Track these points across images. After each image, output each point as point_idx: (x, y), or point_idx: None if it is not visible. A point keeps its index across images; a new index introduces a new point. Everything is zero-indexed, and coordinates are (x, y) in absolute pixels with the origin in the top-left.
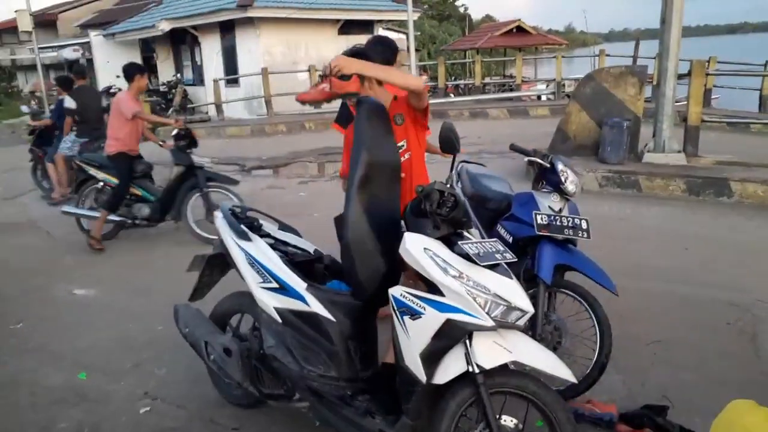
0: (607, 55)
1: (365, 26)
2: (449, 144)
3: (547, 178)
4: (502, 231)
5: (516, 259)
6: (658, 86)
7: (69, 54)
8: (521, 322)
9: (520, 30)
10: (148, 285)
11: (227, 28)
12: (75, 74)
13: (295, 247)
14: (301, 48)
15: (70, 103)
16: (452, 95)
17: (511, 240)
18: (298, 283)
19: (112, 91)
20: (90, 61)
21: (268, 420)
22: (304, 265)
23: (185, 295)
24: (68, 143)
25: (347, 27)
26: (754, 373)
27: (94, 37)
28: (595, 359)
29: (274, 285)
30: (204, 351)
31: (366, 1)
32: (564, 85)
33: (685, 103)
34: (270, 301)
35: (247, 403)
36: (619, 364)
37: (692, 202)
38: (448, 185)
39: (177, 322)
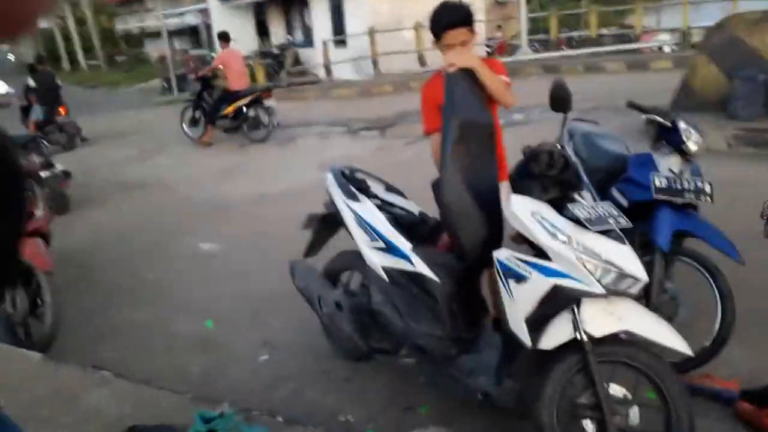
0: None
1: None
2: (560, 102)
3: (667, 137)
4: (616, 194)
5: (631, 225)
6: None
7: (191, 20)
8: (634, 290)
9: None
10: (266, 240)
11: None
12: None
13: (401, 208)
14: (405, 6)
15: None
16: (565, 48)
17: (626, 204)
18: (404, 244)
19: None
20: (209, 26)
21: (376, 373)
22: (410, 226)
23: (300, 251)
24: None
25: None
26: None
27: (213, 2)
28: (715, 333)
29: (382, 245)
30: (317, 304)
31: None
32: (691, 34)
33: None
34: (378, 260)
35: (357, 356)
36: (743, 339)
37: None
38: (558, 145)
39: (293, 277)
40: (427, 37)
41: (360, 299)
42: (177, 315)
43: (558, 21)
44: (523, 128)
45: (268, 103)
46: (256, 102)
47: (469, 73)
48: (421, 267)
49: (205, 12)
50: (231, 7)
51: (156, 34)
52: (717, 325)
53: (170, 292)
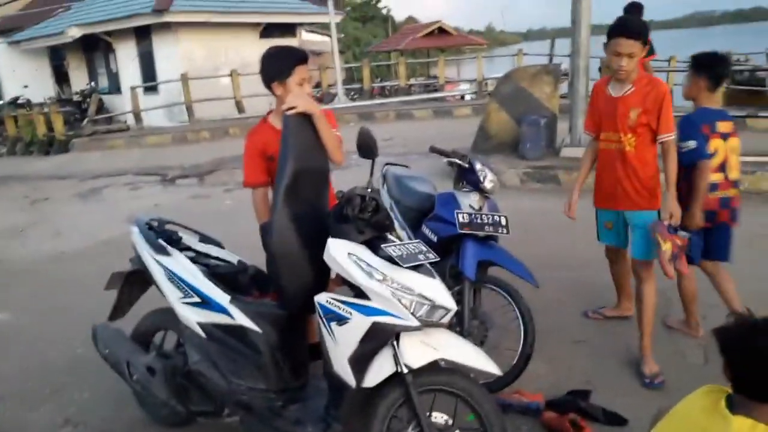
0: (525, 54)
1: (288, 29)
2: (367, 149)
3: (466, 177)
4: (426, 231)
5: (438, 259)
6: (572, 84)
7: None
8: (446, 320)
9: (442, 31)
10: (66, 304)
11: (143, 34)
12: None
13: (217, 258)
14: (221, 53)
15: None
16: (378, 96)
17: (435, 239)
18: (221, 296)
19: (20, 102)
20: None
21: None
22: (228, 276)
23: (104, 314)
24: None
25: (269, 30)
26: (667, 354)
27: None
28: (520, 350)
29: (196, 299)
30: (126, 371)
31: (287, 5)
32: (486, 84)
33: None
34: (193, 317)
35: (175, 421)
36: (544, 354)
37: None
38: (369, 189)
39: (96, 344)
40: (245, 83)
41: (175, 361)
42: None
43: (371, 71)
44: (343, 173)
45: None
46: None
47: (307, 118)
48: (241, 318)
49: None
50: (21, 50)
51: None
52: (521, 344)
53: None
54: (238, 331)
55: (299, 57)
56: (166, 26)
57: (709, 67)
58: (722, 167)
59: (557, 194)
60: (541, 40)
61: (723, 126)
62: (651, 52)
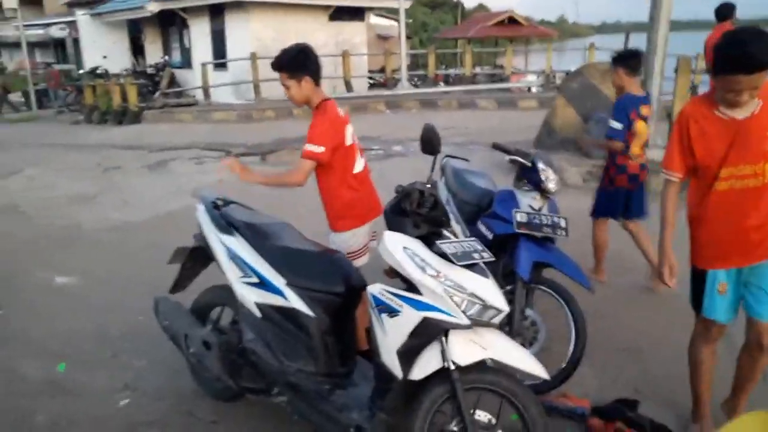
0: (597, 49)
1: (356, 13)
2: (430, 145)
3: (528, 176)
4: (482, 227)
5: (493, 259)
6: (644, 83)
7: (56, 32)
8: (496, 320)
9: (512, 21)
10: (129, 275)
11: (217, 12)
12: None
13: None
14: (290, 34)
15: None
16: (441, 84)
17: (491, 236)
18: (278, 279)
19: (98, 72)
20: (76, 40)
21: (246, 414)
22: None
23: (167, 286)
24: None
25: (338, 14)
26: (727, 371)
27: (81, 16)
28: (570, 354)
29: (255, 280)
30: (183, 343)
31: None
32: (555, 76)
33: (672, 99)
34: (250, 296)
35: (226, 396)
36: (593, 360)
37: None
38: (428, 185)
39: (156, 314)
40: None
41: (230, 337)
42: (24, 356)
43: (436, 58)
44: (402, 160)
45: None
46: None
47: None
48: (295, 302)
49: (72, 25)
50: (103, 22)
51: (16, 45)
52: (571, 348)
53: (19, 331)
54: (291, 313)
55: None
56: (239, 5)
57: (623, 59)
58: (645, 144)
59: None
60: (616, 33)
61: (644, 110)
62: None
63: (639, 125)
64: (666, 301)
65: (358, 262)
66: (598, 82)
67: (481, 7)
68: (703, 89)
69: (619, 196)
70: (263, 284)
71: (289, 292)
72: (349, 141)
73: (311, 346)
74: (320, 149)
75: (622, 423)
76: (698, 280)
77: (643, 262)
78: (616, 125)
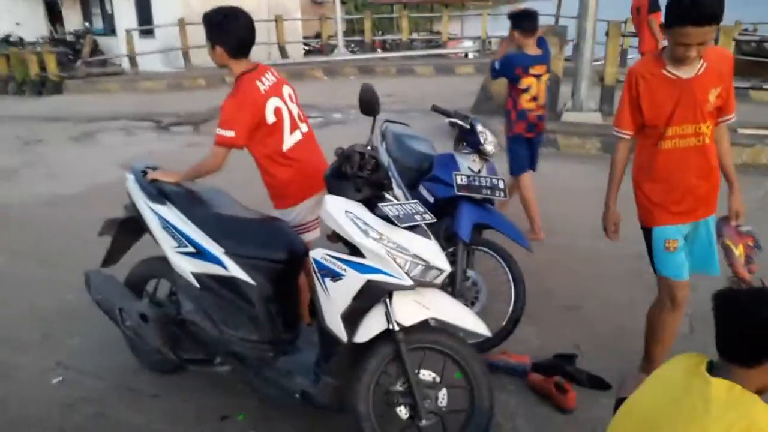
0: None
1: None
2: (369, 106)
3: (467, 139)
4: (423, 191)
5: (435, 220)
6: (577, 47)
7: None
8: (439, 281)
9: None
10: (58, 249)
11: None
12: None
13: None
14: None
15: None
16: (380, 50)
17: (432, 200)
18: (216, 248)
19: (11, 40)
20: None
21: (189, 385)
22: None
23: (98, 261)
24: None
25: None
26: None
27: None
28: (510, 313)
29: (191, 249)
30: (119, 318)
31: None
32: (491, 42)
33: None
34: (187, 266)
35: (167, 369)
36: (533, 318)
37: (606, 160)
38: (369, 147)
39: (89, 289)
40: None
41: (168, 309)
42: None
43: (372, 24)
44: (342, 128)
45: None
46: None
47: None
48: (235, 270)
49: None
50: None
51: None
52: (511, 307)
53: None
54: (231, 282)
55: None
56: None
57: (517, 21)
58: (535, 98)
59: (555, 159)
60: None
61: (537, 69)
62: (656, 8)
63: (526, 80)
64: (605, 259)
65: (309, 236)
66: None
67: None
68: (632, 53)
69: (522, 144)
70: (200, 254)
71: (228, 261)
72: (271, 118)
73: (254, 314)
74: (230, 133)
75: (561, 377)
76: (648, 240)
77: (582, 222)
78: (496, 66)
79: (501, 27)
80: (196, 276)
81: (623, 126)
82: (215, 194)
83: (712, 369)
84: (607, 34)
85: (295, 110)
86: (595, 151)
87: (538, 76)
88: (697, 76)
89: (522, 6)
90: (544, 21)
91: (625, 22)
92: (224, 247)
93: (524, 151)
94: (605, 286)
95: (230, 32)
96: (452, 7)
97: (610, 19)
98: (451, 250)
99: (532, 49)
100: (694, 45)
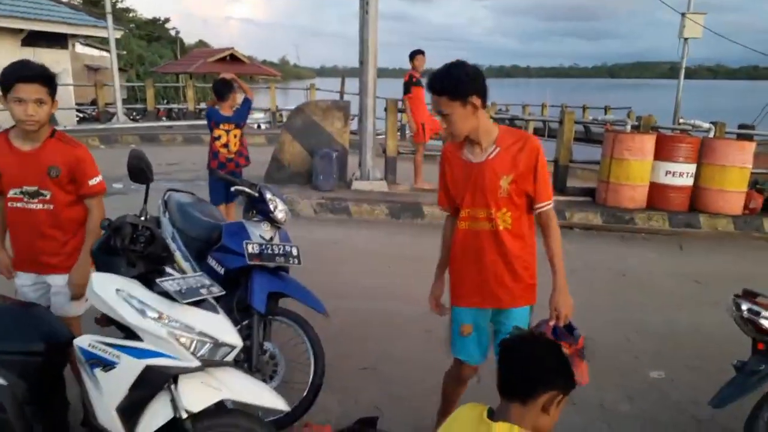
0: (318, 89)
1: (56, 40)
2: (139, 173)
3: (256, 207)
4: (212, 262)
5: (224, 293)
6: (361, 121)
7: None
8: (230, 357)
9: (234, 58)
10: None
11: None
12: None
13: None
14: None
15: None
16: (165, 119)
17: (223, 271)
18: None
19: None
20: None
21: None
22: None
23: None
24: None
25: (33, 39)
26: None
27: None
28: (310, 381)
29: None
30: None
31: (55, 12)
32: (281, 114)
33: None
34: None
35: None
36: (333, 385)
37: (393, 225)
38: (142, 218)
39: None
40: None
41: None
42: None
43: (156, 92)
44: (123, 198)
45: None
46: None
47: None
48: None
49: None
50: None
51: None
52: (311, 376)
53: None
54: None
55: (21, 76)
56: None
57: (216, 90)
58: (226, 145)
59: (348, 225)
60: (334, 77)
61: (225, 126)
62: (407, 90)
63: (216, 132)
64: (398, 319)
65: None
66: (319, 118)
67: (201, 43)
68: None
69: (216, 179)
70: None
71: None
72: None
73: (5, 420)
74: None
75: None
76: (451, 319)
77: (375, 284)
78: (207, 119)
79: (290, 100)
80: None
81: (440, 202)
82: None
83: (492, 415)
84: (385, 110)
85: None
86: (383, 216)
87: (228, 131)
88: (487, 161)
89: (310, 82)
90: (329, 96)
91: (402, 100)
92: None
93: (218, 186)
94: (400, 347)
95: None
96: (241, 80)
97: (388, 96)
98: (246, 322)
99: (225, 110)
100: (444, 115)
